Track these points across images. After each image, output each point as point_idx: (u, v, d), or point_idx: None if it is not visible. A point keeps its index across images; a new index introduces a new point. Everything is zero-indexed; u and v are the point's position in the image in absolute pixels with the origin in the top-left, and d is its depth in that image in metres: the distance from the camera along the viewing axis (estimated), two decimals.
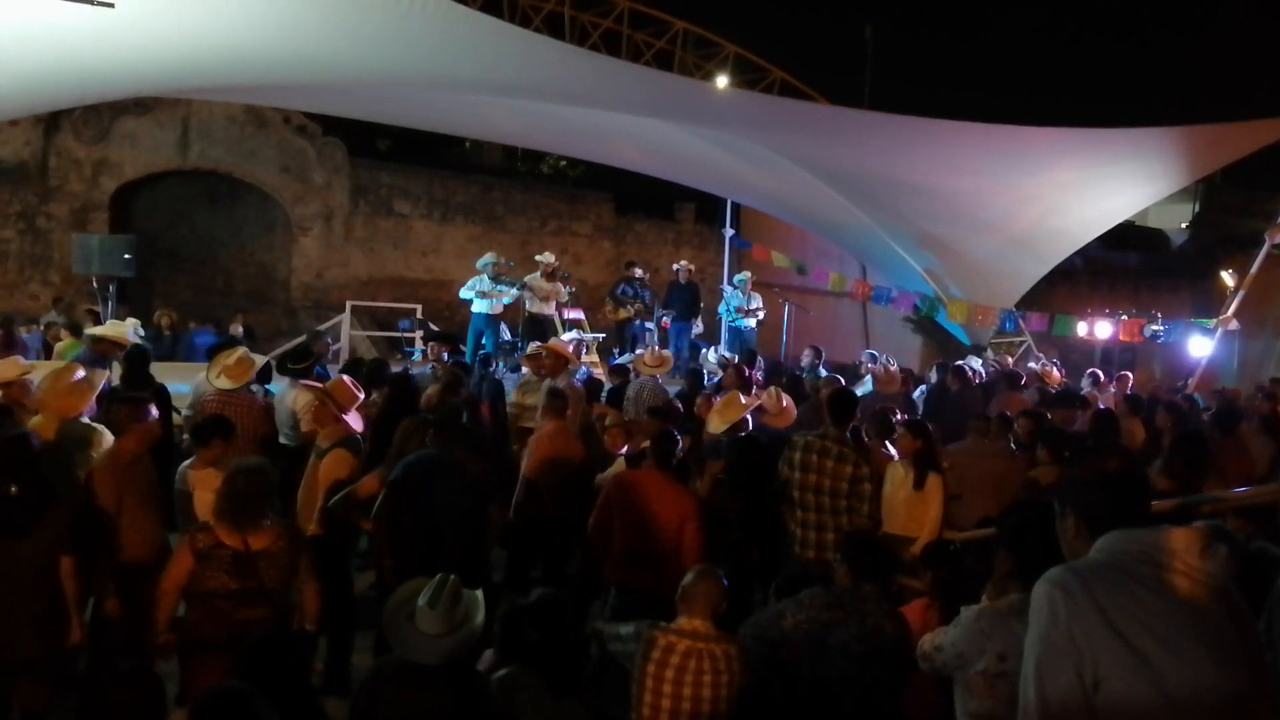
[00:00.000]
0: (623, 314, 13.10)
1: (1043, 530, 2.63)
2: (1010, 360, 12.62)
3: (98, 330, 7.70)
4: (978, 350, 14.05)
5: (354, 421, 5.78)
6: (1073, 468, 5.79)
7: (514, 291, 11.83)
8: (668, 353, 9.95)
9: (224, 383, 6.27)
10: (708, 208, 18.43)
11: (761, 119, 11.01)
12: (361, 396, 6.03)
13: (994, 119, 10.16)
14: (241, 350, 6.68)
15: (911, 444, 5.80)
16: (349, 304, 14.50)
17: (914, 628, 3.69)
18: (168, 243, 17.68)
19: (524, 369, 8.89)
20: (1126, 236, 19.38)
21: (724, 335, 13.74)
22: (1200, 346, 12.19)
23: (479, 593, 3.16)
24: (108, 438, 5.18)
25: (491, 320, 11.91)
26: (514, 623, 3.27)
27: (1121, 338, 13.44)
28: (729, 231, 16.01)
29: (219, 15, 7.24)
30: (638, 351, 11.59)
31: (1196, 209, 23.91)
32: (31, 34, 7.27)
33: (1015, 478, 6.20)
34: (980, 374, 10.61)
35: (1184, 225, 24.81)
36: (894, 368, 9.64)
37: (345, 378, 6.06)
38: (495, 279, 11.80)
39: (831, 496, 5.24)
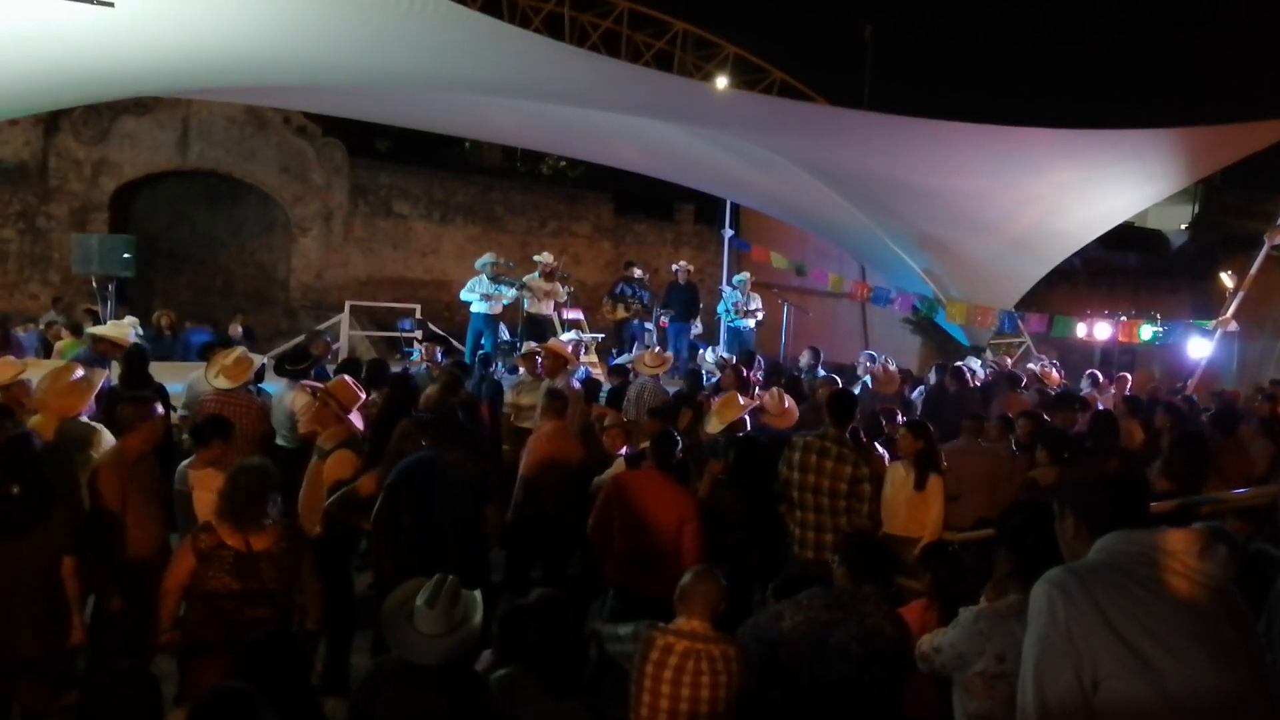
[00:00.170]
0: (621, 313, 13.11)
1: (1042, 531, 2.63)
2: (1009, 361, 12.61)
3: (98, 330, 7.70)
4: (977, 351, 14.05)
5: (355, 421, 5.79)
6: (1072, 469, 5.81)
7: (513, 292, 11.83)
8: (668, 354, 9.96)
9: (222, 382, 6.26)
10: (707, 208, 18.43)
11: (761, 119, 11.01)
12: (363, 396, 6.04)
13: (994, 119, 10.16)
14: (240, 350, 6.68)
15: (913, 444, 5.80)
16: (348, 304, 14.50)
17: (913, 628, 3.69)
18: (167, 243, 17.68)
19: (520, 369, 8.89)
20: (1126, 237, 19.39)
21: (723, 336, 13.74)
22: (1199, 348, 12.19)
23: (477, 593, 3.16)
24: (107, 437, 5.18)
25: (491, 320, 11.91)
26: (513, 623, 3.27)
27: (1120, 339, 13.44)
28: (728, 232, 16.02)
29: (219, 15, 7.24)
30: (636, 352, 11.61)
31: (1196, 210, 23.92)
32: (31, 34, 7.27)
33: (1008, 477, 6.22)
34: (979, 374, 10.62)
35: (1184, 226, 24.81)
36: (892, 368, 9.65)
37: (346, 378, 6.07)
38: (494, 279, 11.80)
39: (831, 497, 5.24)
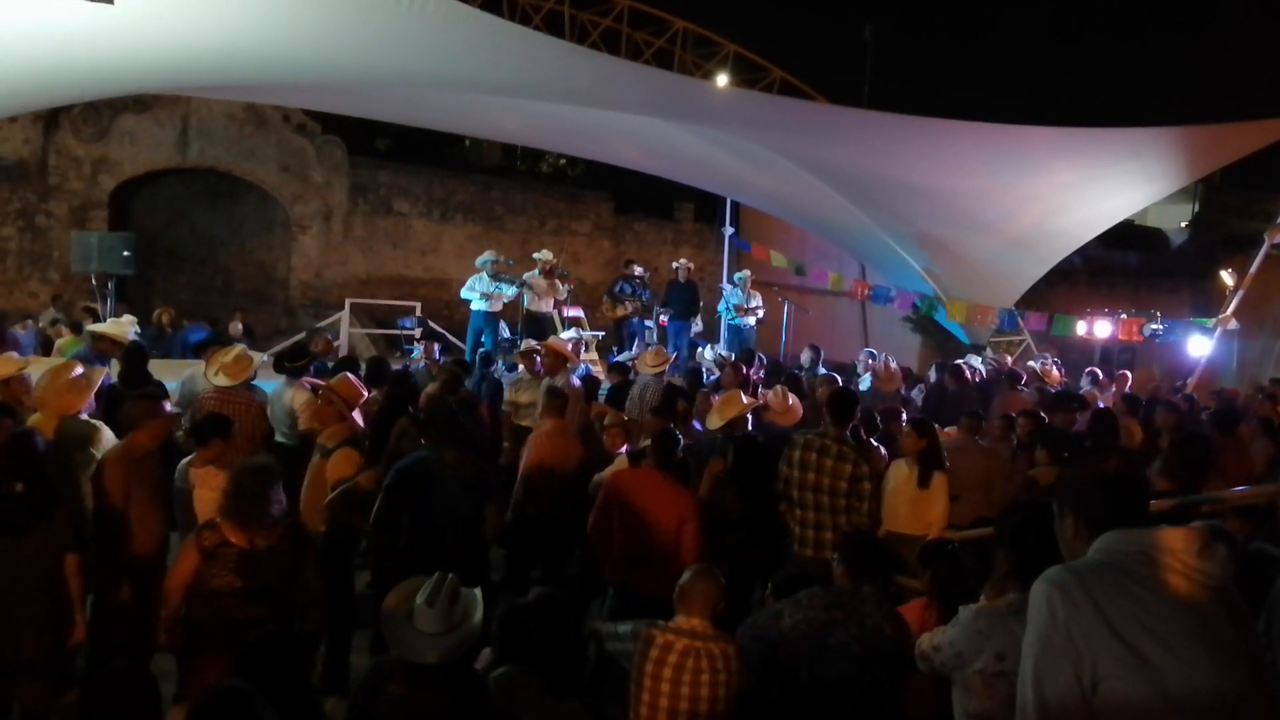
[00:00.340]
0: (620, 311, 13.10)
1: (1042, 530, 2.63)
2: (1009, 360, 12.61)
3: (99, 328, 7.69)
4: (977, 349, 14.05)
5: (356, 419, 5.80)
6: (1072, 468, 5.81)
7: (513, 290, 11.83)
8: (669, 352, 9.94)
9: (222, 380, 6.26)
10: (707, 207, 18.43)
11: (761, 119, 11.00)
12: (365, 394, 6.04)
13: (994, 119, 10.15)
14: (239, 348, 6.68)
15: (917, 442, 5.80)
16: (348, 302, 14.50)
17: (912, 627, 3.69)
18: (167, 241, 17.68)
19: (519, 367, 8.89)
20: (1126, 236, 19.40)
21: (723, 334, 13.74)
22: (1199, 346, 12.19)
23: (477, 591, 3.15)
24: (108, 435, 5.18)
25: (491, 318, 11.91)
26: (513, 622, 3.27)
27: (1120, 337, 13.44)
28: (728, 230, 16.01)
29: (218, 13, 7.23)
30: (636, 350, 11.60)
31: (1196, 209, 23.92)
32: (30, 31, 7.26)
33: (1005, 476, 6.22)
34: (981, 372, 10.62)
35: (1183, 225, 24.82)
36: (894, 366, 9.66)
37: (349, 375, 6.08)
38: (495, 277, 11.80)
39: (831, 495, 5.24)
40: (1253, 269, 11.76)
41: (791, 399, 7.10)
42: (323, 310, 15.42)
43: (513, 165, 22.08)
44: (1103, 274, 19.88)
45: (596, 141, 13.35)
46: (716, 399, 6.82)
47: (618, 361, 10.08)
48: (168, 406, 5.03)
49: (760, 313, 13.25)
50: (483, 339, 11.77)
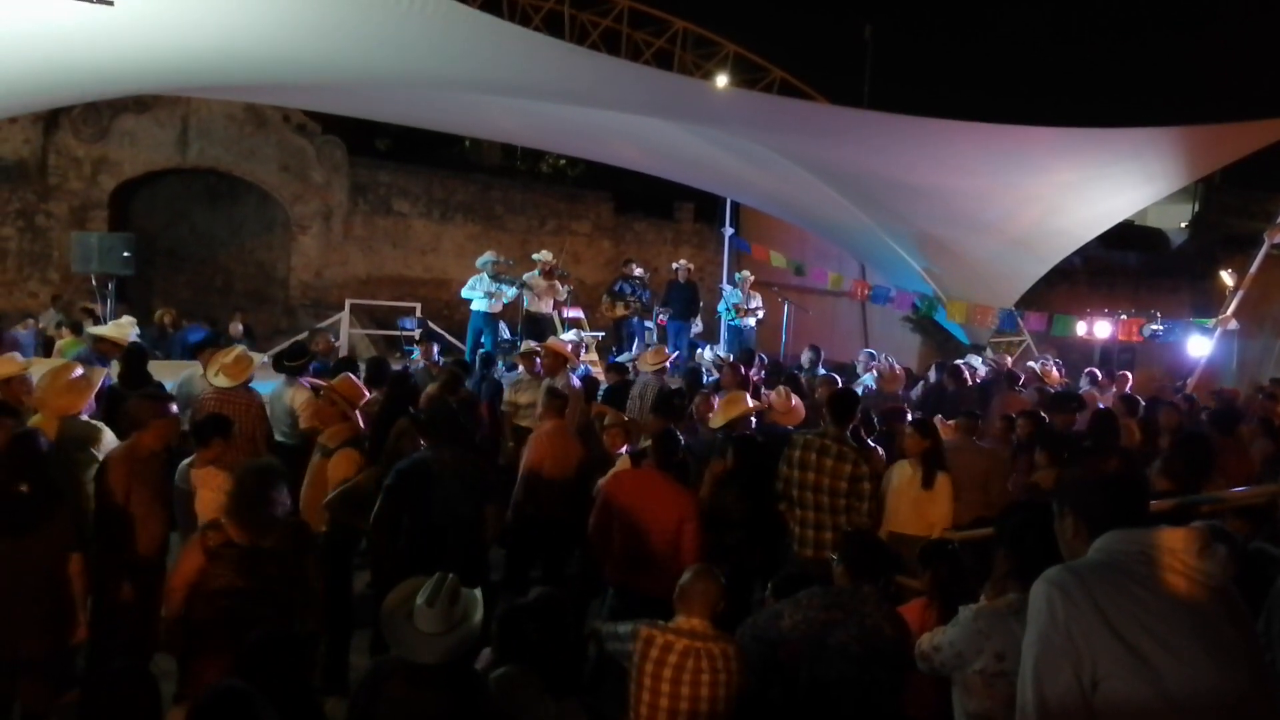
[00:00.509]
0: (619, 311, 13.11)
1: (1042, 530, 2.63)
2: (1009, 360, 12.61)
3: (99, 330, 7.70)
4: (977, 349, 14.05)
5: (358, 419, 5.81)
6: (1072, 469, 5.80)
7: (514, 290, 11.83)
8: (667, 350, 9.93)
9: (222, 381, 6.26)
10: (707, 207, 18.43)
11: (761, 119, 11.00)
12: (366, 394, 6.05)
13: (994, 119, 10.15)
14: (239, 348, 6.68)
15: (920, 443, 5.80)
16: (348, 302, 14.51)
17: (912, 627, 3.69)
18: (167, 241, 17.68)
19: (519, 367, 8.90)
20: (1126, 236, 19.40)
21: (723, 334, 13.74)
22: (1199, 346, 12.19)
23: (477, 592, 3.15)
24: (109, 436, 5.19)
25: (491, 319, 11.91)
26: (513, 622, 3.27)
27: (1120, 337, 13.44)
28: (728, 230, 16.02)
29: (219, 14, 7.23)
30: (635, 350, 11.60)
31: (1196, 209, 23.92)
32: (30, 32, 7.26)
33: (1000, 475, 6.23)
34: (981, 372, 10.62)
35: (1183, 225, 24.81)
36: (898, 368, 9.67)
37: (350, 375, 6.09)
38: (495, 277, 11.80)
39: (830, 495, 5.25)
40: (1253, 269, 11.77)
41: (794, 399, 7.12)
42: (323, 310, 15.43)
43: (513, 165, 22.08)
44: (1103, 274, 19.88)
45: (596, 141, 13.35)
46: (718, 399, 6.83)
47: (616, 362, 10.08)
48: (174, 408, 5.03)
49: (760, 313, 13.25)
50: (482, 339, 11.77)
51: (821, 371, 9.97)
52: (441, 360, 9.68)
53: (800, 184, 12.68)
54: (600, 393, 8.61)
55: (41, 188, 15.64)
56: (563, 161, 22.36)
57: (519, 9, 16.43)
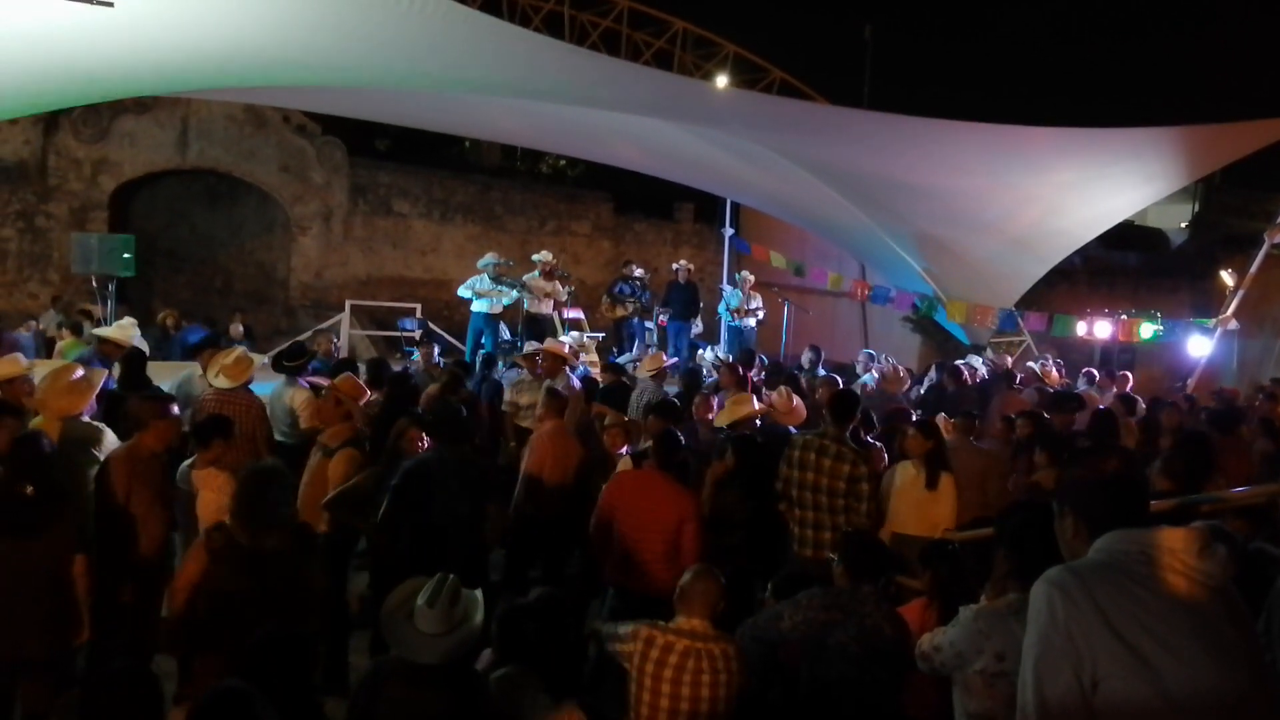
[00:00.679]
0: (619, 312, 13.11)
1: (1042, 530, 2.63)
2: (1009, 360, 12.61)
3: (103, 331, 7.70)
4: (977, 350, 14.05)
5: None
6: (1072, 468, 5.80)
7: (514, 292, 11.83)
8: (662, 355, 9.91)
9: (222, 382, 6.27)
10: (707, 207, 18.44)
11: (761, 119, 11.00)
12: (367, 393, 6.07)
13: (994, 119, 10.15)
14: (240, 349, 6.69)
15: (923, 444, 5.80)
16: (348, 303, 14.51)
17: (912, 628, 3.69)
18: (167, 242, 17.69)
19: (520, 368, 8.89)
20: (1126, 236, 19.38)
21: (723, 335, 13.74)
22: (1199, 346, 12.19)
23: (478, 592, 3.16)
24: (111, 437, 5.19)
25: (491, 320, 11.92)
26: (513, 622, 3.27)
27: (1120, 338, 13.44)
28: (728, 231, 16.01)
29: (219, 15, 7.24)
30: (635, 350, 11.60)
31: (1196, 209, 23.91)
32: (31, 33, 7.27)
33: (999, 475, 6.23)
34: (981, 372, 10.62)
35: (1183, 225, 24.81)
36: (900, 370, 9.68)
37: (350, 374, 6.11)
38: (496, 279, 11.80)
39: (830, 495, 5.25)
40: (1253, 269, 11.77)
41: (795, 400, 7.14)
42: (323, 311, 15.43)
43: (512, 166, 22.08)
44: (1103, 274, 19.87)
45: (596, 142, 13.35)
46: (717, 400, 6.85)
47: (614, 362, 10.08)
48: (176, 409, 5.04)
49: (760, 314, 13.25)
50: (483, 340, 11.77)
51: (822, 372, 9.96)
52: (441, 361, 9.68)
53: (800, 184, 12.68)
54: (597, 393, 8.60)
55: (41, 189, 15.64)
56: (562, 162, 22.36)
57: (519, 9, 16.42)
